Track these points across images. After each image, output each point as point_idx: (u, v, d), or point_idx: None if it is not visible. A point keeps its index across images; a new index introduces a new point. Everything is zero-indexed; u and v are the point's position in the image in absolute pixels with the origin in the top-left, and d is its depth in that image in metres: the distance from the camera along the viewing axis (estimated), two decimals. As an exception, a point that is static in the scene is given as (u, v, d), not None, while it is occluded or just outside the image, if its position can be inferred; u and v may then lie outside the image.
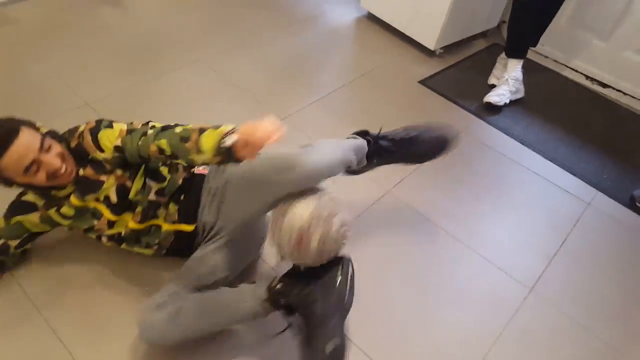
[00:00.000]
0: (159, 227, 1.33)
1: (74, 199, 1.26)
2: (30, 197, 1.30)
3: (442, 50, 2.67)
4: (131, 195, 1.28)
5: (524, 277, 1.65)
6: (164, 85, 2.15)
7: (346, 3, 3.02)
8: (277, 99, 2.21)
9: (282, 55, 2.47)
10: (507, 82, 2.38)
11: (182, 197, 1.35)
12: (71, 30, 2.34)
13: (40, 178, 1.17)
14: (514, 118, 2.36)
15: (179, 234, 1.34)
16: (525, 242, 1.78)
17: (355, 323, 1.33)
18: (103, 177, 1.26)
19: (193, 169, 1.41)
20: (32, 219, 1.29)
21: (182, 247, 1.36)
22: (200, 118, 1.75)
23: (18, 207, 1.30)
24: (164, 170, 1.35)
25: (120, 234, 1.33)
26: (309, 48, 2.58)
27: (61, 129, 1.32)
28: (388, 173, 1.90)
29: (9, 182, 1.19)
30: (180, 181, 1.36)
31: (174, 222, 1.34)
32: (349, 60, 2.55)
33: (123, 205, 1.29)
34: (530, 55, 2.70)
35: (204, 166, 1.42)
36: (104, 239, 1.34)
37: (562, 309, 1.57)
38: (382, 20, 2.78)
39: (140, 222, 1.31)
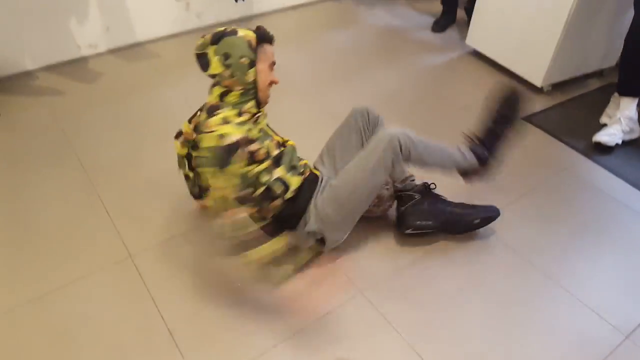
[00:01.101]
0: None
1: (262, 121, 1.56)
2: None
3: (550, 88, 2.61)
4: None
5: (620, 322, 1.54)
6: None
7: (451, 40, 3.09)
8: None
9: (384, 88, 2.60)
10: (619, 121, 2.26)
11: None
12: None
13: (273, 77, 1.52)
14: (627, 159, 2.22)
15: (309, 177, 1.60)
16: (626, 287, 1.66)
17: (434, 352, 1.36)
18: None
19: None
20: None
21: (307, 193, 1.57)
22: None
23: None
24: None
25: (282, 152, 1.55)
26: (411, 83, 2.67)
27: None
28: (481, 199, 1.91)
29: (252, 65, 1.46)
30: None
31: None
32: (450, 96, 2.60)
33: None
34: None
35: None
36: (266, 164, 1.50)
37: (664, 362, 1.44)
38: (487, 57, 2.80)
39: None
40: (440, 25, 3.19)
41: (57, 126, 2.20)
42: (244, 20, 3.14)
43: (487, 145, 1.72)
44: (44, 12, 2.46)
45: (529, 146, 2.26)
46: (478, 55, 2.87)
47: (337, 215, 1.54)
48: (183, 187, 1.67)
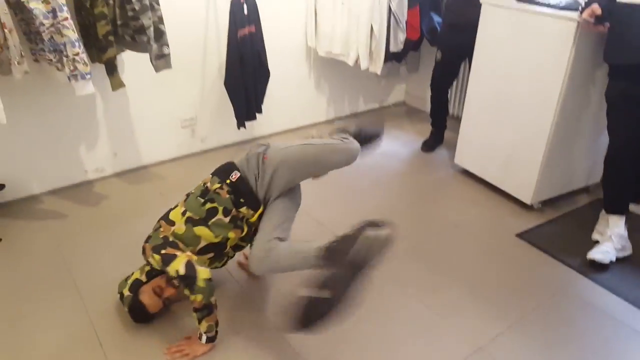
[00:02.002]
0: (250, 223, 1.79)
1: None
2: None
3: (540, 205, 2.69)
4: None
5: None
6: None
7: (440, 160, 3.24)
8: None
9: (374, 205, 2.68)
10: (610, 239, 2.30)
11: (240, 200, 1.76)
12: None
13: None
14: (623, 277, 2.22)
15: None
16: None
17: None
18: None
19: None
20: None
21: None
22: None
23: None
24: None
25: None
26: (401, 201, 2.76)
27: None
28: (478, 327, 1.88)
29: None
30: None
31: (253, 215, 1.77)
32: (440, 212, 2.67)
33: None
34: (636, 209, 2.61)
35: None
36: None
37: None
38: (476, 176, 2.92)
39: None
40: (429, 145, 3.37)
41: (58, 251, 2.23)
42: (245, 143, 3.32)
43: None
44: (54, 139, 2.62)
45: (524, 265, 2.28)
46: (467, 173, 2.99)
47: None
48: (179, 320, 1.65)
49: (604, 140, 2.63)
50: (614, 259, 2.28)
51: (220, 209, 1.72)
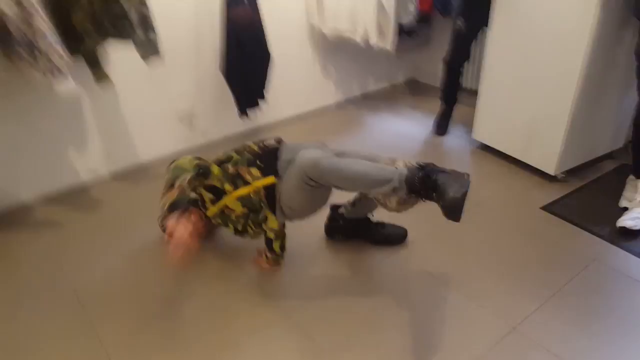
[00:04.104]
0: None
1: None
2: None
3: (564, 175, 2.61)
4: None
5: None
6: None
7: (457, 136, 3.15)
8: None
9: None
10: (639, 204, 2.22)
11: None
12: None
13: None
14: (656, 243, 2.15)
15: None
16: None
17: None
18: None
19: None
20: None
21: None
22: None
23: None
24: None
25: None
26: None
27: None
28: (510, 307, 1.83)
29: None
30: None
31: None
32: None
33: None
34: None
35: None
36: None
37: None
38: (496, 150, 2.84)
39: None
40: (442, 126, 3.21)
41: (55, 261, 2.10)
42: (250, 134, 3.24)
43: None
44: (39, 142, 2.46)
45: (551, 238, 2.21)
46: (486, 148, 2.91)
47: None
48: (188, 321, 1.60)
49: (628, 104, 2.54)
50: (645, 225, 2.20)
51: (235, 158, 1.84)
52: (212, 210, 1.91)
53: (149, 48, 2.24)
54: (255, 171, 1.79)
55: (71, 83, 2.00)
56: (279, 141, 1.90)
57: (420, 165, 1.60)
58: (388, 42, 3.07)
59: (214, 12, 2.71)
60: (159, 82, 2.77)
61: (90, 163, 2.69)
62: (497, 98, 2.73)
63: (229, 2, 2.57)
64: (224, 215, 1.90)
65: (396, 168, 1.62)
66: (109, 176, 2.76)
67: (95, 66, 2.20)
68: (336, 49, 3.47)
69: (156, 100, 2.82)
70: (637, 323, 1.77)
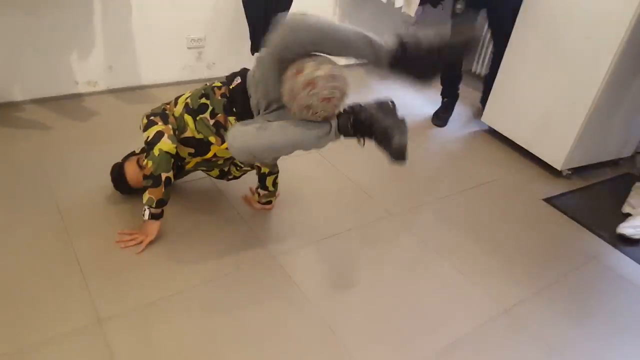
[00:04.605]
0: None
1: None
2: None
3: (569, 172, 2.50)
4: None
5: None
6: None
7: (465, 118, 3.01)
8: (387, 195, 2.14)
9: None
10: (646, 212, 2.13)
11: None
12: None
13: None
14: (656, 252, 2.06)
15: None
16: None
17: None
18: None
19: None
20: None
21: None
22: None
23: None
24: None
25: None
26: (421, 155, 2.54)
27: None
28: (504, 290, 1.71)
29: None
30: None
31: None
32: (465, 171, 2.46)
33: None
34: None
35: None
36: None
37: None
38: (503, 136, 2.71)
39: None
40: (441, 118, 2.94)
41: (38, 163, 1.97)
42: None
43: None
44: (43, 42, 2.31)
45: (551, 231, 2.10)
46: (494, 133, 2.77)
47: None
48: (166, 246, 1.47)
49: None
50: (647, 233, 2.11)
51: (210, 108, 1.59)
52: (193, 162, 1.72)
53: None
54: (233, 120, 1.56)
55: None
56: (243, 74, 1.58)
57: (349, 109, 1.44)
58: (412, 8, 2.91)
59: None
60: (174, 4, 2.58)
61: (90, 74, 2.53)
62: (514, 86, 2.57)
63: None
64: (210, 162, 1.72)
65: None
66: (107, 91, 2.60)
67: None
68: (357, 5, 3.26)
69: (169, 23, 2.63)
70: (628, 324, 1.67)
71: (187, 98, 1.64)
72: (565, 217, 2.20)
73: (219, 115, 1.57)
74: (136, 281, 1.50)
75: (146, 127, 1.59)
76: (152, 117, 1.61)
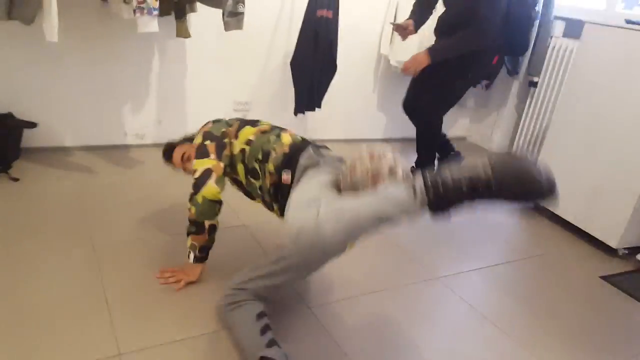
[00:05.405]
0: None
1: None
2: None
3: (626, 252, 2.32)
4: None
5: None
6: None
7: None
8: (432, 258, 2.02)
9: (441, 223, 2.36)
10: None
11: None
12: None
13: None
14: None
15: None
16: None
17: None
18: None
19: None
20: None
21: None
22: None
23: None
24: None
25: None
26: (461, 223, 2.43)
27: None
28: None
29: None
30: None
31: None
32: (509, 243, 2.33)
33: None
34: None
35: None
36: None
37: None
38: (549, 211, 2.58)
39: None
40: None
41: (79, 202, 1.99)
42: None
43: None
44: (100, 92, 2.43)
45: (609, 307, 1.90)
46: (538, 207, 2.65)
47: None
48: (200, 287, 1.43)
49: None
50: None
51: (259, 184, 1.52)
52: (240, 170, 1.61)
53: (234, 19, 2.22)
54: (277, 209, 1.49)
55: (156, 26, 1.95)
56: (293, 169, 1.44)
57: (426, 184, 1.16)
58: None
59: (296, 12, 2.72)
60: (226, 66, 2.72)
61: (139, 128, 2.62)
62: (559, 159, 2.51)
63: (317, 2, 2.53)
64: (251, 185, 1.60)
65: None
66: (152, 144, 2.66)
67: (182, 19, 2.22)
68: (395, 86, 3.35)
69: (218, 85, 2.75)
70: None
71: (248, 140, 1.53)
72: (627, 296, 2.01)
73: (266, 195, 1.51)
74: (161, 320, 1.41)
75: (198, 154, 1.51)
76: (207, 142, 1.53)
